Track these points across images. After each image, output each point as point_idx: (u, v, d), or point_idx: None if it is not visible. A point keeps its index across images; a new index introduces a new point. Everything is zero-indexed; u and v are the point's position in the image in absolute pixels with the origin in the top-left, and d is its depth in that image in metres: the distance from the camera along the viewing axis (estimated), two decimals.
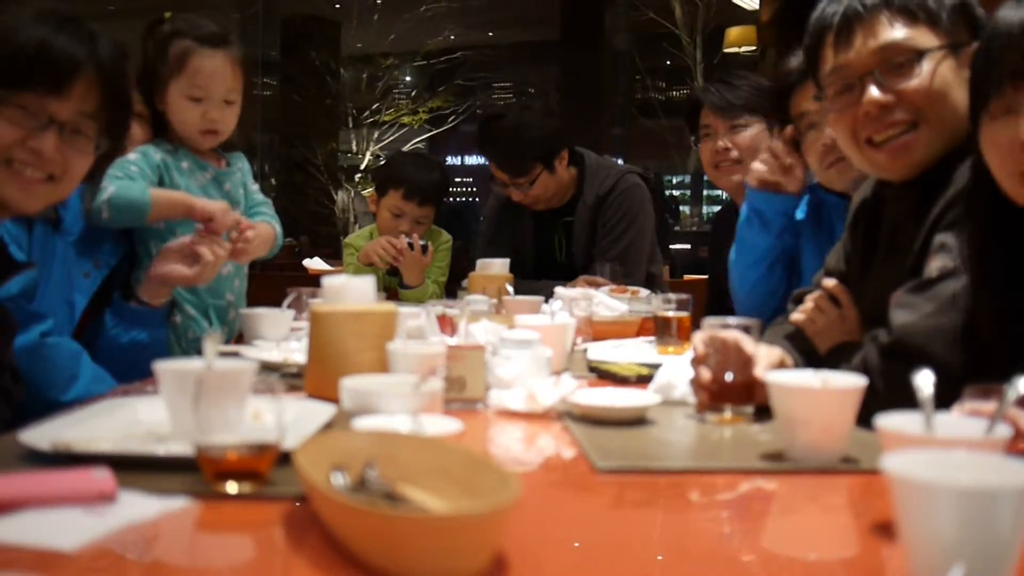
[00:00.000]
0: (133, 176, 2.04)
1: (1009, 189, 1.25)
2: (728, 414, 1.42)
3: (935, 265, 1.41)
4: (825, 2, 1.62)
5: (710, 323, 1.47)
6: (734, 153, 2.81)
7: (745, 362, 1.40)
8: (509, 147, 3.20)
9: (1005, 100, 1.21)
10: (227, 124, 2.24)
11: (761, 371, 1.39)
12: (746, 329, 1.45)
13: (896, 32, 1.53)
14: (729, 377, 1.41)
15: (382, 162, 3.76)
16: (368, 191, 3.58)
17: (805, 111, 2.16)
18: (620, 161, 3.77)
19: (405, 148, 11.15)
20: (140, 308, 1.98)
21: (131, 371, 1.75)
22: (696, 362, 1.44)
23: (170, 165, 2.18)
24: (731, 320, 1.46)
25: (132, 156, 2.10)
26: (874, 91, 1.53)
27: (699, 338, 1.44)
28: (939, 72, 1.51)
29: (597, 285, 2.90)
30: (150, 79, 2.17)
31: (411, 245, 3.22)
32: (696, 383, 1.44)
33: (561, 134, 3.25)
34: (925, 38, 1.53)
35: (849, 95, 1.58)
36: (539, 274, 3.22)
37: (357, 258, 3.32)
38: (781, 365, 1.46)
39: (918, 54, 1.51)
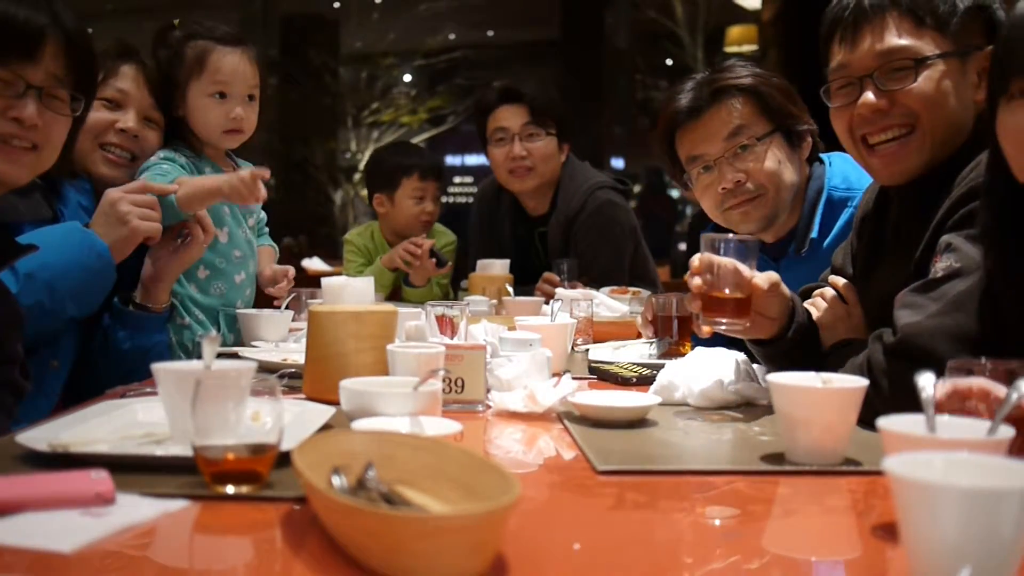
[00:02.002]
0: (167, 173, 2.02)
1: None
2: (723, 326, 1.47)
3: (941, 265, 1.41)
4: None
5: (708, 238, 1.49)
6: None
7: (741, 281, 1.44)
8: (543, 90, 3.29)
9: None
10: (250, 122, 2.22)
11: (762, 281, 1.44)
12: (744, 246, 1.48)
13: (900, 38, 1.54)
14: (726, 292, 1.44)
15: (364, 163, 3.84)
16: (378, 193, 3.60)
17: (698, 154, 2.12)
18: (622, 161, 3.77)
19: None
20: (140, 313, 1.97)
21: (133, 377, 1.75)
22: (690, 275, 1.48)
23: (194, 173, 2.15)
24: (731, 236, 1.49)
25: (161, 158, 2.08)
26: (869, 95, 1.56)
27: (697, 256, 1.48)
28: (939, 79, 1.52)
29: (555, 284, 2.93)
30: (166, 85, 2.15)
31: (433, 253, 3.23)
32: (690, 296, 1.49)
33: (571, 132, 3.33)
34: (929, 44, 1.53)
35: (849, 93, 1.60)
36: (521, 277, 3.22)
37: (381, 261, 3.33)
38: (779, 286, 1.50)
39: (918, 61, 1.52)
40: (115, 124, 2.08)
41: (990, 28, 1.55)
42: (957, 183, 1.45)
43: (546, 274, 3.11)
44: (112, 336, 1.94)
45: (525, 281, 3.13)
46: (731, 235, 1.49)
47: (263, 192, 1.93)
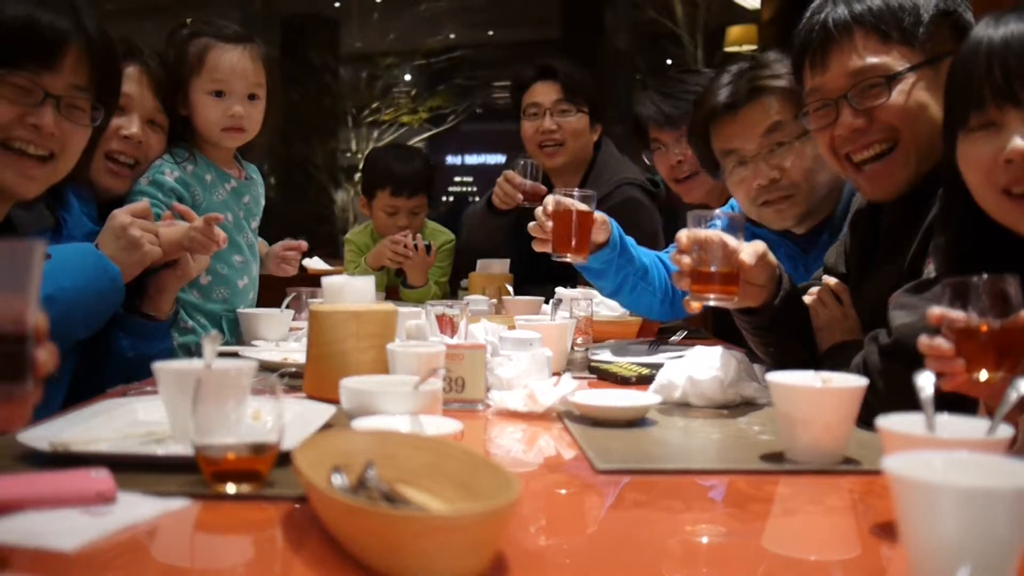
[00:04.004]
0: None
1: (988, 206, 1.24)
2: (712, 300, 1.47)
3: (933, 266, 1.41)
4: (806, 17, 1.63)
5: (695, 214, 1.49)
6: (685, 166, 2.82)
7: (728, 255, 1.45)
8: (579, 69, 3.31)
9: (986, 116, 1.21)
10: (252, 120, 2.22)
11: (747, 257, 1.45)
12: (730, 221, 1.49)
13: (868, 56, 1.54)
14: (713, 267, 1.45)
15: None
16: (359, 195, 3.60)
17: (734, 148, 2.10)
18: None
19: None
20: (145, 321, 1.94)
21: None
22: (678, 252, 1.48)
23: (190, 183, 2.13)
24: (717, 212, 1.50)
25: (150, 182, 2.07)
26: (847, 116, 1.56)
27: (683, 232, 1.48)
28: (912, 92, 1.53)
29: (516, 184, 2.95)
30: (171, 84, 2.14)
31: (415, 246, 3.23)
32: (678, 274, 1.49)
33: (604, 114, 3.32)
34: (898, 59, 1.53)
35: (826, 115, 1.61)
36: (533, 258, 3.21)
37: (366, 261, 3.33)
38: (765, 256, 1.51)
39: (890, 78, 1.52)
40: (119, 130, 2.05)
41: (959, 31, 1.55)
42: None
43: (507, 172, 3.05)
44: (116, 343, 1.92)
45: (534, 266, 3.12)
46: (717, 211, 1.49)
47: (222, 235, 1.89)
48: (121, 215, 1.82)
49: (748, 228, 2.24)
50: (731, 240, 1.46)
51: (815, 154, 2.03)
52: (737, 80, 2.10)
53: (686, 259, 1.47)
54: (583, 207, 1.92)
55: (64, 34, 1.48)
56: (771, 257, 1.54)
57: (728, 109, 2.09)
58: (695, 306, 1.50)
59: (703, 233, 1.46)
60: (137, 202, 1.90)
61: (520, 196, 2.99)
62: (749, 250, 1.47)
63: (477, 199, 3.69)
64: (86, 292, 1.72)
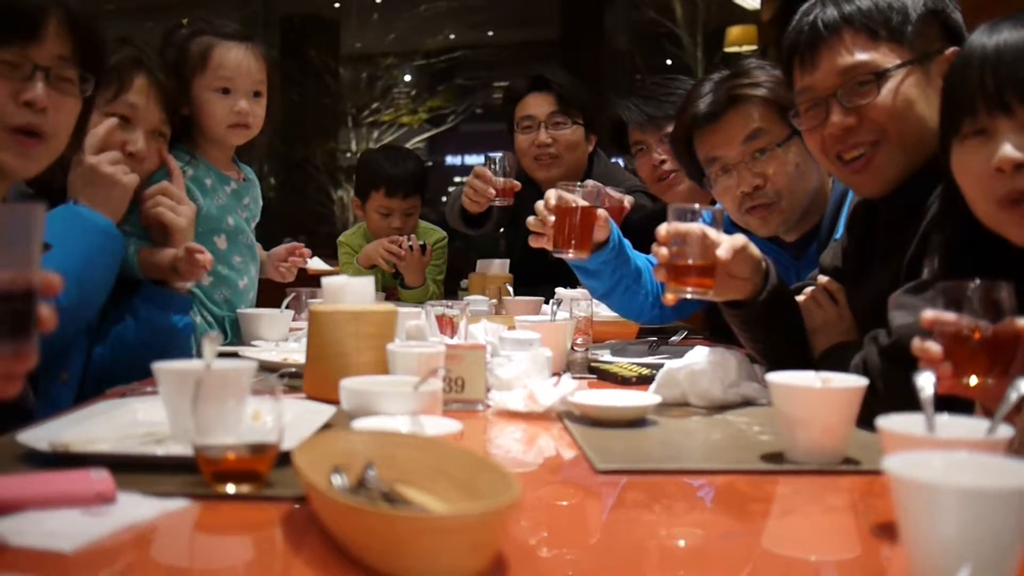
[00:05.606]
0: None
1: (981, 214, 1.25)
2: (688, 293, 1.46)
3: (931, 267, 1.41)
4: (795, 20, 1.63)
5: (675, 207, 1.48)
6: (667, 165, 2.80)
7: (706, 248, 1.45)
8: (574, 79, 3.28)
9: (978, 124, 1.21)
10: (256, 117, 2.22)
11: (723, 252, 1.44)
12: (711, 214, 1.49)
13: (857, 54, 1.54)
14: (690, 260, 1.44)
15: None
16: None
17: (717, 156, 2.08)
18: (620, 161, 3.68)
19: (408, 146, 11.16)
20: (170, 292, 1.91)
21: (169, 355, 1.72)
22: (657, 244, 1.48)
23: (190, 188, 2.13)
24: (697, 206, 1.49)
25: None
26: (836, 115, 1.57)
27: (663, 226, 1.48)
28: (901, 89, 1.53)
29: (489, 180, 2.88)
30: (177, 88, 2.11)
31: (411, 247, 3.23)
32: (656, 266, 1.49)
33: (599, 123, 3.28)
34: (888, 56, 1.54)
35: (817, 114, 1.61)
36: (538, 263, 3.20)
37: (357, 261, 3.33)
38: (745, 249, 1.50)
39: (879, 75, 1.53)
40: (125, 146, 1.99)
41: (947, 30, 1.56)
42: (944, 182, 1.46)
43: (478, 168, 2.98)
44: (143, 316, 1.88)
45: (535, 273, 3.11)
46: (697, 205, 1.49)
47: (207, 259, 1.87)
48: (85, 156, 1.77)
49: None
50: (712, 233, 1.45)
51: (798, 161, 2.03)
52: (717, 89, 2.09)
53: (664, 251, 1.46)
54: (586, 203, 1.89)
55: (43, 5, 1.48)
56: (753, 250, 1.53)
57: (709, 118, 2.08)
58: (670, 298, 1.49)
59: (684, 226, 1.45)
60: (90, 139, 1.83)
61: (492, 192, 2.91)
62: (726, 244, 1.46)
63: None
64: (92, 255, 1.68)
